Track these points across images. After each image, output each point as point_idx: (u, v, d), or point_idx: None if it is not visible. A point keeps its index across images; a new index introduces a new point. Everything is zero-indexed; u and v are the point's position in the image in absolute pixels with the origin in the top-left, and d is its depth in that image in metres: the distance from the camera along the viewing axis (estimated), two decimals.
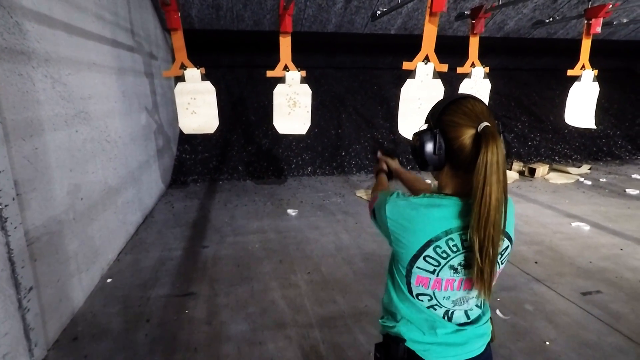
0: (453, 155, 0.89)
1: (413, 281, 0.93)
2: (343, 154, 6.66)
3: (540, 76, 8.81)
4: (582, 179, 5.94)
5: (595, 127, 4.59)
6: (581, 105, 4.50)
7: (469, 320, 0.96)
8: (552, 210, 4.57)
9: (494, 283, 0.96)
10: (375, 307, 2.58)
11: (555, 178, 5.97)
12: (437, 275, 0.91)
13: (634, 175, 6.17)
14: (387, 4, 5.33)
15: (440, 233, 0.88)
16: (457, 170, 0.91)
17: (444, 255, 0.89)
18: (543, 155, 7.26)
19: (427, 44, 3.35)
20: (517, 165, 6.46)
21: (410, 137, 3.79)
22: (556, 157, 7.26)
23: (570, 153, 7.40)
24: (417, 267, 0.91)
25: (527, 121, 7.86)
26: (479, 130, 0.84)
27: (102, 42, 3.29)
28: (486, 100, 4.37)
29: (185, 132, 4.17)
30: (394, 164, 1.48)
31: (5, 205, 1.83)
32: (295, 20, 5.81)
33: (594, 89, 4.41)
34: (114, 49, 3.57)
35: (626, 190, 5.35)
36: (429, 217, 0.88)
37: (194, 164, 6.13)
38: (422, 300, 0.94)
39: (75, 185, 2.62)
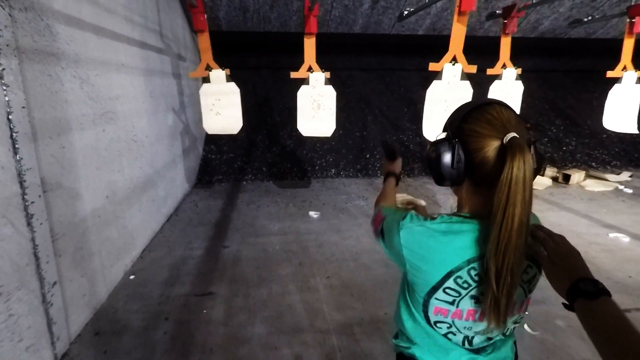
0: (474, 170, 0.79)
1: (431, 310, 0.85)
2: (367, 156, 6.57)
3: (577, 78, 8.40)
4: (621, 187, 5.60)
5: (637, 132, 4.31)
6: (622, 108, 4.24)
7: (490, 343, 0.88)
8: (587, 220, 4.32)
9: (521, 314, 0.86)
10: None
11: (592, 185, 5.66)
12: (457, 307, 0.82)
13: None
14: (415, 4, 5.22)
15: (461, 263, 0.79)
16: (479, 187, 0.81)
17: (465, 285, 0.80)
18: (579, 160, 6.91)
19: (455, 44, 3.23)
20: (550, 171, 6.17)
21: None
22: (593, 163, 6.90)
23: (609, 159, 7.01)
24: (436, 299, 0.83)
25: (562, 125, 7.51)
26: (504, 141, 0.74)
27: (130, 44, 3.37)
28: (518, 103, 4.19)
29: (209, 132, 4.22)
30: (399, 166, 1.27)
31: (32, 202, 1.88)
32: (321, 21, 5.79)
33: (637, 91, 4.14)
34: (143, 51, 3.66)
35: None
36: (449, 246, 0.79)
37: (219, 164, 6.21)
38: (440, 328, 0.86)
39: (101, 183, 2.68)
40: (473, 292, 0.80)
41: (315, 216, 4.40)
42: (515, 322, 0.87)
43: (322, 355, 2.15)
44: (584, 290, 0.67)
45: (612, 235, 3.87)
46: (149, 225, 3.64)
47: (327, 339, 2.28)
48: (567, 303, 0.70)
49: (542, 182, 5.71)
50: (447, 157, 0.81)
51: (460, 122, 0.81)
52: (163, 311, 2.53)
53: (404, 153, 6.65)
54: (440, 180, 0.84)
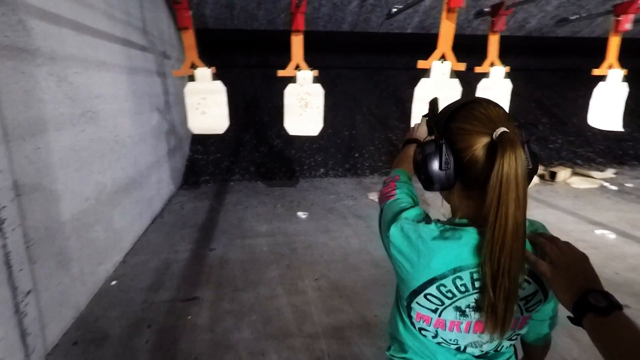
0: (464, 171, 0.74)
1: (414, 315, 0.81)
2: (356, 155, 6.53)
3: (563, 77, 8.50)
4: (606, 184, 5.67)
5: (622, 130, 4.35)
6: (607, 106, 4.27)
7: (484, 353, 0.83)
8: (574, 217, 4.35)
9: (515, 330, 0.81)
10: (385, 317, 2.46)
11: (578, 183, 5.72)
12: (440, 316, 0.78)
13: None
14: (403, 2, 5.19)
15: (447, 271, 0.74)
16: (470, 190, 0.76)
17: (449, 295, 0.75)
18: (564, 158, 6.98)
19: (443, 41, 3.21)
20: None
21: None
22: (578, 161, 6.97)
23: (594, 156, 7.09)
24: (417, 303, 0.79)
25: (549, 123, 7.58)
26: (494, 137, 0.69)
27: (112, 41, 3.26)
28: (507, 101, 4.19)
29: (195, 132, 4.14)
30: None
31: (3, 207, 1.78)
32: (309, 19, 5.72)
33: (623, 89, 4.17)
34: (125, 48, 3.55)
35: None
36: (436, 252, 0.74)
37: (205, 164, 6.11)
38: (425, 336, 0.83)
39: (81, 185, 2.58)
40: (457, 303, 0.76)
41: (303, 216, 4.34)
42: (509, 339, 0.82)
43: None
44: (594, 305, 0.60)
45: (598, 232, 3.90)
46: (132, 229, 3.53)
47: (316, 343, 2.23)
48: (573, 317, 0.63)
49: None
50: (434, 159, 0.75)
51: (447, 121, 0.76)
52: (146, 318, 2.45)
53: (393, 152, 6.63)
54: (428, 184, 0.78)
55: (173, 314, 2.49)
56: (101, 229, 2.86)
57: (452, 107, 0.78)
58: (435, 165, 0.75)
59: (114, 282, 2.87)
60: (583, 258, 0.68)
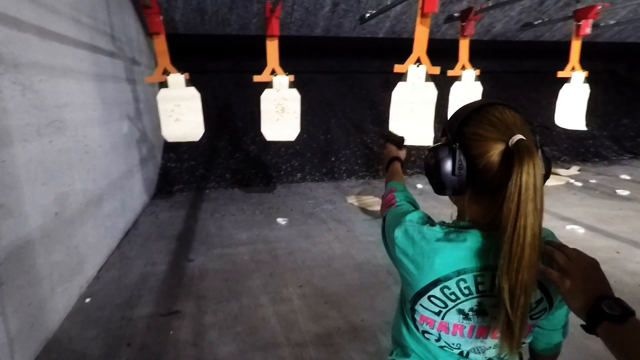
0: (477, 177, 0.73)
1: (417, 317, 0.81)
2: (333, 159, 6.55)
3: (526, 79, 8.86)
4: (572, 181, 5.93)
5: (586, 129, 4.57)
6: (571, 106, 4.47)
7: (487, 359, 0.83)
8: (546, 214, 4.46)
9: (526, 340, 0.81)
10: (371, 321, 2.45)
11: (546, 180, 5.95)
12: (443, 319, 0.77)
13: (622, 176, 6.18)
14: (375, 7, 5.26)
15: (450, 273, 0.73)
16: (481, 195, 0.75)
17: (453, 297, 0.75)
18: None
19: (418, 46, 3.26)
20: None
21: None
22: None
23: (559, 154, 7.42)
24: (421, 305, 0.78)
25: None
26: (510, 144, 0.67)
27: (79, 47, 3.12)
28: None
29: (169, 140, 4.02)
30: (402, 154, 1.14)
31: None
32: (282, 24, 5.69)
33: (585, 90, 4.39)
34: (93, 55, 3.40)
35: (616, 191, 5.35)
36: (441, 253, 0.74)
37: (179, 172, 5.95)
38: (428, 339, 0.82)
39: (49, 199, 2.44)
40: (461, 306, 0.76)
41: (283, 223, 4.29)
42: None
43: None
44: (609, 313, 0.60)
45: (568, 227, 4.07)
46: (105, 242, 3.38)
47: (304, 352, 2.19)
48: (586, 324, 0.63)
49: None
50: (447, 164, 0.74)
51: (461, 125, 0.75)
52: (124, 336, 2.34)
53: (368, 155, 6.69)
54: (440, 189, 0.77)
55: (154, 330, 2.39)
56: (72, 243, 2.72)
57: (467, 111, 0.76)
58: (448, 170, 0.74)
59: (88, 300, 2.73)
60: (593, 264, 0.67)
